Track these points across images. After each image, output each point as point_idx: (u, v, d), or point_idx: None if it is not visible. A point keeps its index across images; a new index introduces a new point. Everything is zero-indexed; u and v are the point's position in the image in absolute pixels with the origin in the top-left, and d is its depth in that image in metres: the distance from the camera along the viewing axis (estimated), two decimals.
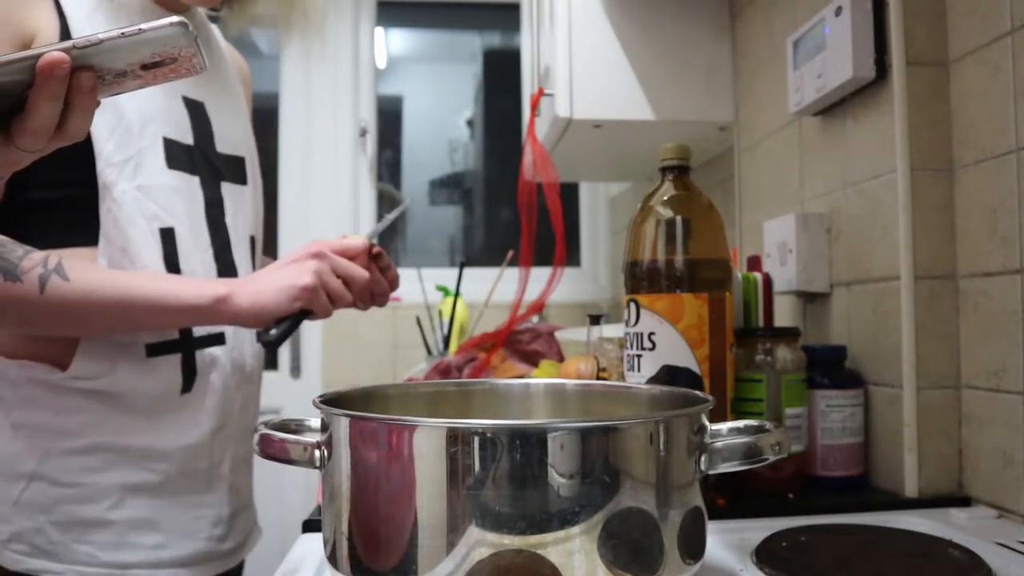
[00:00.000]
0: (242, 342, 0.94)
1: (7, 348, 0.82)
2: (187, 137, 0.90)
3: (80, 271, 0.77)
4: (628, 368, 0.75)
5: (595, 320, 1.10)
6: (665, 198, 0.76)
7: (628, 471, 0.47)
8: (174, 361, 0.86)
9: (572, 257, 2.52)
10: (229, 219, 0.94)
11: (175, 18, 0.45)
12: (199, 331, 0.88)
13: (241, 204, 0.97)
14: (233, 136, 0.98)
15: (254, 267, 0.99)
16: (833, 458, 0.81)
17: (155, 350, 0.84)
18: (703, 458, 0.51)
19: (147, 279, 0.81)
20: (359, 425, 0.49)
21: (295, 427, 0.59)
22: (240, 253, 0.95)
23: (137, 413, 0.83)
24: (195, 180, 0.90)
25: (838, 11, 0.84)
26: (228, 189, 0.95)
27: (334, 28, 2.38)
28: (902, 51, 0.79)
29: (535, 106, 1.32)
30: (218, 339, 0.90)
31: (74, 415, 0.81)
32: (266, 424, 0.57)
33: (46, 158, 0.54)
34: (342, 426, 0.50)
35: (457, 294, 1.70)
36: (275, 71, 2.39)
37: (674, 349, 0.72)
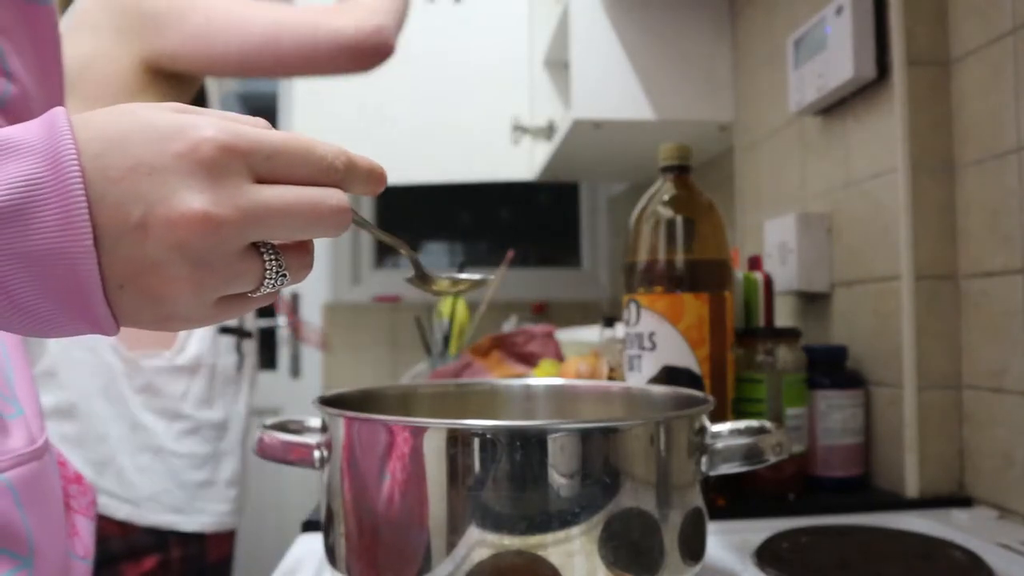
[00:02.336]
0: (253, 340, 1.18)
1: (128, 343, 0.99)
2: None
3: None
4: (628, 368, 0.75)
5: (609, 322, 1.10)
6: (665, 198, 0.76)
7: (628, 472, 0.47)
8: (231, 342, 1.09)
9: (572, 257, 2.52)
10: None
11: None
12: (248, 323, 1.14)
13: None
14: None
15: None
16: (834, 458, 0.81)
17: (222, 329, 1.07)
18: (704, 459, 0.51)
19: None
20: (359, 426, 0.49)
21: (295, 428, 0.59)
22: None
23: (213, 388, 1.06)
24: None
25: (839, 10, 0.84)
26: None
27: None
28: (903, 50, 0.79)
29: None
30: (249, 333, 1.14)
31: (181, 399, 1.02)
32: (266, 425, 0.57)
33: None
34: (342, 427, 0.50)
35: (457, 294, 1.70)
36: None
37: (674, 349, 0.72)
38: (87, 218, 0.30)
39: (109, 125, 0.31)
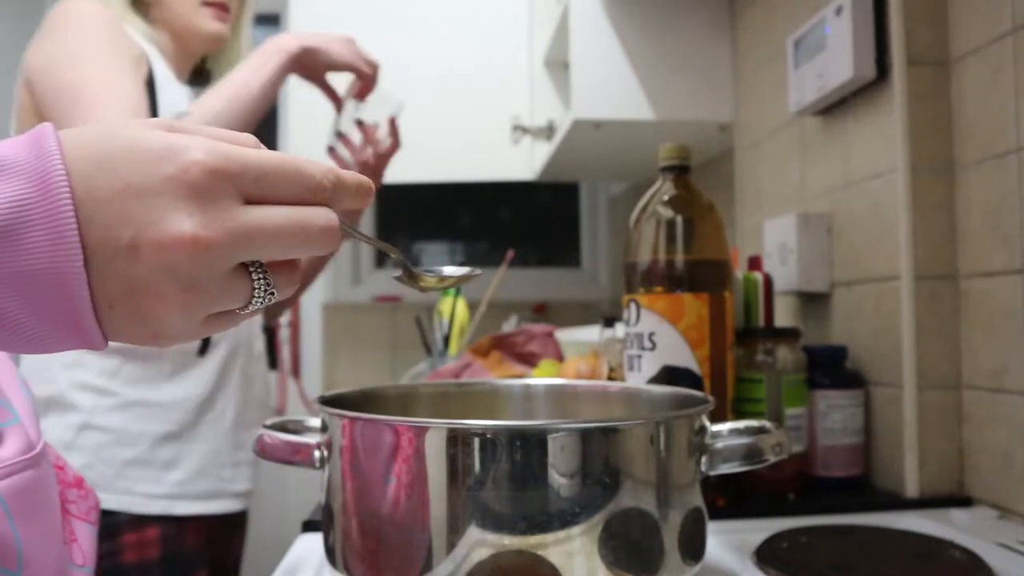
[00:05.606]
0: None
1: None
2: None
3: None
4: (628, 368, 0.75)
5: (609, 322, 1.10)
6: (665, 198, 0.76)
7: (628, 472, 0.47)
8: None
9: (572, 257, 2.52)
10: None
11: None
12: None
13: None
14: None
15: None
16: (834, 458, 0.81)
17: None
18: (703, 459, 0.51)
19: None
20: (359, 426, 0.49)
21: (295, 427, 0.59)
22: None
23: (162, 372, 1.04)
24: None
25: (839, 10, 0.84)
26: None
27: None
28: (903, 50, 0.79)
29: None
30: None
31: (114, 377, 1.01)
32: (266, 425, 0.57)
33: None
34: (342, 427, 0.50)
35: (457, 294, 1.70)
36: None
37: (674, 349, 0.72)
38: (77, 239, 0.30)
39: (99, 144, 0.31)
